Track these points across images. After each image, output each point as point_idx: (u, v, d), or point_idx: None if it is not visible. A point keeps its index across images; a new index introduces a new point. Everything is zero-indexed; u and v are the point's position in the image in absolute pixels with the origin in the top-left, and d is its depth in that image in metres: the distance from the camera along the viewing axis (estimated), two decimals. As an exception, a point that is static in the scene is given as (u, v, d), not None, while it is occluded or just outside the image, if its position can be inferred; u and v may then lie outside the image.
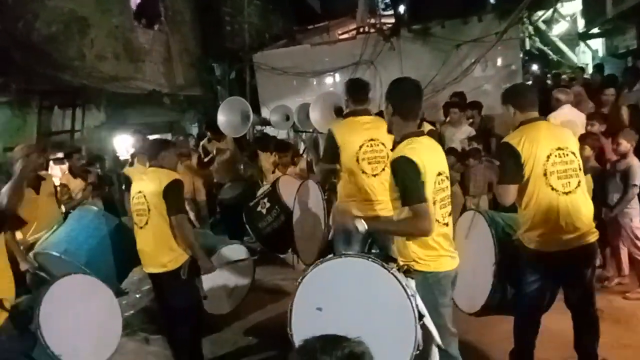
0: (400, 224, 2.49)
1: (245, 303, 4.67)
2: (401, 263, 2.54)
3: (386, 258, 2.74)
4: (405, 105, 2.54)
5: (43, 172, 4.46)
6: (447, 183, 2.58)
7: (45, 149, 5.35)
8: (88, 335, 3.19)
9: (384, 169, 3.40)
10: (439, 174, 2.50)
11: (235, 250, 4.52)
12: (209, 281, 3.95)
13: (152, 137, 3.94)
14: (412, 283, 2.46)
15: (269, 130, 7.70)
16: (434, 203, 2.44)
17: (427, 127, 4.93)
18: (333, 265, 2.45)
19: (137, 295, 5.27)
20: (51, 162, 6.29)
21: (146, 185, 3.50)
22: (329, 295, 2.40)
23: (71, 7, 7.16)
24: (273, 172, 6.05)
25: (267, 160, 6.25)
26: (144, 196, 3.48)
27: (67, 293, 3.15)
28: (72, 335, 3.05)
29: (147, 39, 8.77)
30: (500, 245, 3.09)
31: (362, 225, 2.56)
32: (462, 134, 6.09)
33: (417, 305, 2.31)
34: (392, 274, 2.34)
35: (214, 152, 6.45)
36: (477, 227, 3.31)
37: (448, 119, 6.40)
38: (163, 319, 3.89)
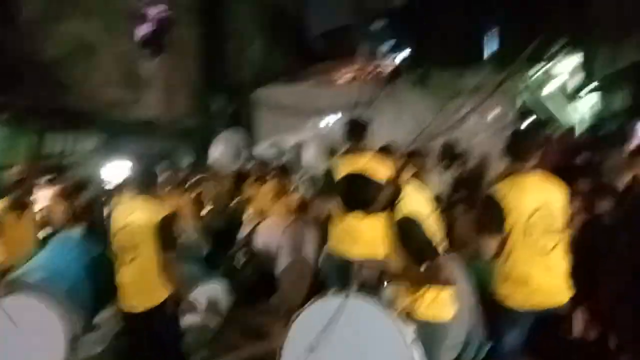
0: (426, 274, 2.41)
1: (223, 345, 4.54)
2: (401, 308, 2.51)
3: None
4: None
5: (30, 197, 4.43)
6: (439, 221, 2.62)
7: (39, 172, 5.36)
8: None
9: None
10: (430, 213, 2.55)
11: (214, 289, 4.45)
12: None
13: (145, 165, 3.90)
14: (410, 330, 2.42)
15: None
16: None
17: (410, 171, 4.96)
18: (329, 303, 2.40)
19: (107, 332, 5.07)
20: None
21: (136, 218, 3.32)
22: (323, 334, 2.34)
23: (80, 32, 7.33)
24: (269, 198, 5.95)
25: (254, 194, 6.19)
26: (132, 231, 3.30)
27: (8, 315, 3.08)
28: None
29: (151, 67, 8.92)
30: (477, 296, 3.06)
31: (385, 284, 2.58)
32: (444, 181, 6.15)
33: (415, 353, 2.28)
34: (392, 317, 2.30)
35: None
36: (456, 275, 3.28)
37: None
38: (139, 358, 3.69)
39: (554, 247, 2.82)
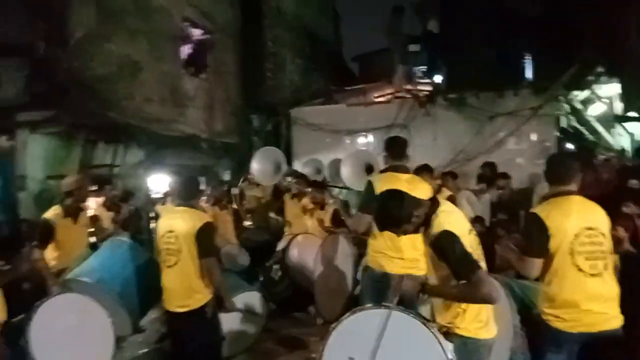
0: (467, 289, 2.35)
1: (259, 353, 4.59)
2: (441, 323, 2.49)
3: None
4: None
5: (82, 204, 4.63)
6: (477, 238, 2.57)
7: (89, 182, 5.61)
8: (77, 354, 3.17)
9: None
10: (470, 231, 2.51)
11: (252, 298, 4.51)
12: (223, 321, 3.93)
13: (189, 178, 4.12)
14: (449, 346, 2.40)
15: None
16: None
17: (445, 193, 4.95)
18: (371, 315, 2.40)
19: (152, 335, 5.22)
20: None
21: (179, 225, 3.51)
22: (363, 346, 2.33)
23: (127, 52, 7.65)
24: (305, 213, 6.01)
25: (292, 208, 6.29)
26: (176, 236, 3.49)
27: (60, 310, 3.18)
28: (60, 352, 3.05)
29: (193, 86, 9.22)
30: (520, 319, 3.01)
31: (424, 295, 2.56)
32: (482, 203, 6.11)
33: None
34: (434, 333, 2.29)
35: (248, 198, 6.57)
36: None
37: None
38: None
39: (601, 271, 2.76)
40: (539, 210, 2.87)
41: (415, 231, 2.51)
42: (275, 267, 5.21)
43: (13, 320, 2.98)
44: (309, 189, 5.90)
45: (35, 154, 6.46)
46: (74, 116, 6.51)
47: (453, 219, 2.46)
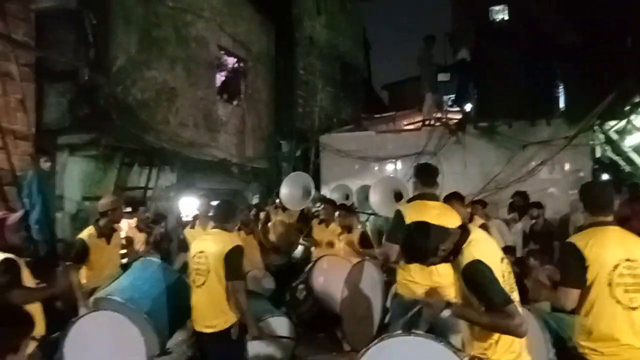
0: (495, 317, 2.29)
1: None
2: (472, 353, 2.43)
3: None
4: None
5: (116, 224, 4.75)
6: (510, 267, 2.50)
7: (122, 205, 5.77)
8: None
9: None
10: (502, 259, 2.44)
11: (280, 323, 4.49)
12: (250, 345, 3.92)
13: (225, 201, 4.23)
14: None
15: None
16: None
17: (478, 221, 4.87)
18: (400, 342, 2.37)
19: (180, 357, 5.24)
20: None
21: (209, 246, 3.57)
22: None
23: (165, 78, 7.94)
24: (333, 236, 6.00)
25: (319, 233, 6.29)
26: (206, 257, 3.54)
27: (94, 328, 3.23)
28: None
29: (226, 112, 9.46)
30: (555, 352, 2.90)
31: (448, 313, 2.50)
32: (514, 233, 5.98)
33: None
34: None
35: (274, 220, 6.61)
36: (530, 329, 3.13)
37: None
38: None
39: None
40: (577, 239, 2.80)
41: (444, 261, 2.47)
42: (300, 287, 5.19)
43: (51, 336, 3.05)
44: (337, 213, 5.90)
45: (73, 176, 6.69)
46: (113, 139, 6.74)
47: (484, 247, 2.40)
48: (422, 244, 2.43)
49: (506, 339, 2.36)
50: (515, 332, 2.28)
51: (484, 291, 2.31)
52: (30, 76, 6.08)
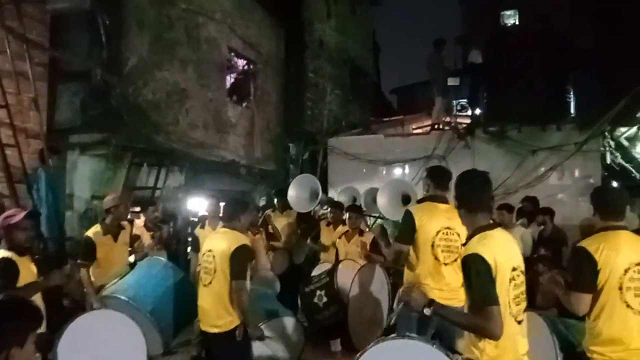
0: (471, 319, 2.35)
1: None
2: (467, 356, 2.42)
3: (448, 349, 2.63)
4: (472, 198, 2.50)
5: (123, 222, 4.78)
6: (523, 278, 2.47)
7: (130, 202, 5.81)
8: None
9: (455, 260, 3.37)
10: (514, 269, 2.40)
11: (288, 323, 4.48)
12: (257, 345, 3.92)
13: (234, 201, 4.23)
14: None
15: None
16: (509, 301, 2.34)
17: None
18: (394, 345, 2.40)
19: (184, 357, 5.25)
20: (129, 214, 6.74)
21: (217, 245, 3.60)
22: None
23: (176, 79, 8.00)
24: (340, 237, 5.97)
25: (328, 236, 6.28)
26: (214, 256, 3.57)
27: (92, 327, 3.24)
28: None
29: (235, 113, 9.50)
30: (564, 356, 2.88)
31: (429, 311, 2.49)
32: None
33: None
34: None
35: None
36: (537, 332, 3.12)
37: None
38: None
39: None
40: (587, 244, 2.78)
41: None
42: (320, 292, 5.14)
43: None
44: (346, 214, 5.89)
45: (83, 174, 6.74)
46: (123, 139, 6.79)
47: (494, 245, 2.36)
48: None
49: (501, 344, 2.33)
50: (488, 336, 2.28)
51: (470, 285, 2.32)
52: (43, 76, 6.16)
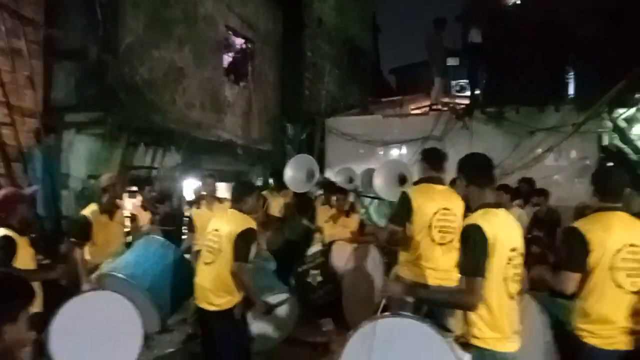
0: (448, 294, 2.45)
1: (285, 356, 4.63)
2: (459, 334, 2.48)
3: (441, 327, 2.67)
4: (480, 174, 2.57)
5: (118, 201, 4.79)
6: (521, 260, 2.51)
7: (126, 181, 5.82)
8: (99, 354, 3.24)
9: (451, 240, 3.39)
10: (513, 249, 2.44)
11: (281, 302, 4.53)
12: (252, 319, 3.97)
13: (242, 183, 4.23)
14: (466, 357, 2.38)
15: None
16: (505, 279, 2.39)
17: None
18: (387, 323, 2.43)
19: (180, 335, 5.33)
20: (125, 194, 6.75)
21: (224, 226, 3.61)
22: (380, 352, 2.37)
23: (172, 58, 7.93)
24: (327, 221, 6.01)
25: (323, 215, 6.32)
26: (220, 236, 3.58)
27: (86, 308, 3.25)
28: (81, 352, 3.12)
29: (232, 93, 9.44)
30: (554, 334, 2.93)
31: (409, 298, 2.55)
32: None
33: None
34: (448, 343, 2.29)
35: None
36: (527, 311, 3.16)
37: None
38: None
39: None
40: (580, 224, 2.81)
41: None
42: (314, 272, 5.20)
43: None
44: (334, 197, 5.93)
45: (80, 154, 6.74)
46: (119, 119, 6.77)
47: (495, 221, 2.41)
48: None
49: (493, 319, 2.39)
50: (466, 306, 2.36)
51: (464, 252, 2.39)
52: (39, 54, 6.10)
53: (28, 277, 3.07)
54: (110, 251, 4.47)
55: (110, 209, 4.57)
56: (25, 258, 3.23)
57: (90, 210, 4.46)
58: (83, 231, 4.36)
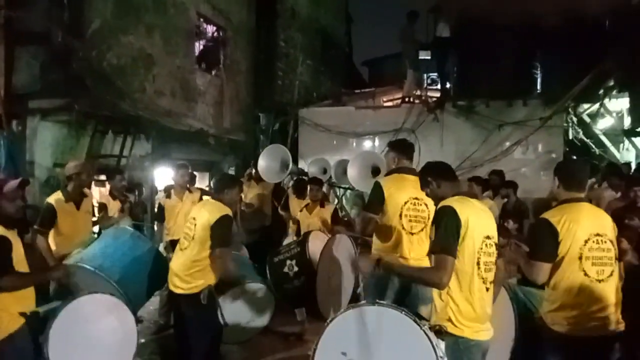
0: (417, 270, 2.50)
1: (258, 346, 4.62)
2: (434, 322, 2.51)
3: (416, 315, 2.71)
4: (449, 172, 2.76)
5: (85, 190, 4.66)
6: (494, 249, 2.58)
7: (93, 169, 5.65)
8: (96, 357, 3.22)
9: (422, 229, 3.44)
10: (488, 237, 2.52)
11: (259, 291, 4.53)
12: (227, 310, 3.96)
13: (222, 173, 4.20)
14: (442, 345, 2.42)
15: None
16: (478, 264, 2.46)
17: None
18: (364, 312, 2.45)
19: (150, 325, 5.26)
20: (93, 183, 6.56)
21: (202, 215, 3.64)
22: (355, 341, 2.38)
23: (142, 44, 7.73)
24: (301, 210, 6.04)
25: (296, 206, 6.31)
26: (195, 224, 3.63)
27: (85, 312, 3.19)
28: (78, 355, 3.09)
29: (204, 82, 9.29)
30: (520, 321, 3.01)
31: (379, 269, 2.59)
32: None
33: None
34: (424, 331, 2.32)
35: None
36: (499, 302, 3.25)
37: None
38: (179, 344, 3.86)
39: (607, 277, 2.77)
40: (550, 215, 2.87)
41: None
42: (290, 262, 5.20)
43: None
44: (309, 187, 5.93)
45: (45, 141, 6.52)
46: (86, 105, 6.56)
47: (467, 205, 2.50)
48: None
49: (468, 307, 2.45)
50: (435, 284, 2.42)
51: (436, 232, 2.45)
52: (-1, 37, 5.85)
53: (27, 281, 2.92)
54: (77, 241, 4.32)
55: (77, 198, 4.41)
56: (16, 254, 3.01)
57: (55, 198, 4.30)
58: (47, 219, 4.19)
